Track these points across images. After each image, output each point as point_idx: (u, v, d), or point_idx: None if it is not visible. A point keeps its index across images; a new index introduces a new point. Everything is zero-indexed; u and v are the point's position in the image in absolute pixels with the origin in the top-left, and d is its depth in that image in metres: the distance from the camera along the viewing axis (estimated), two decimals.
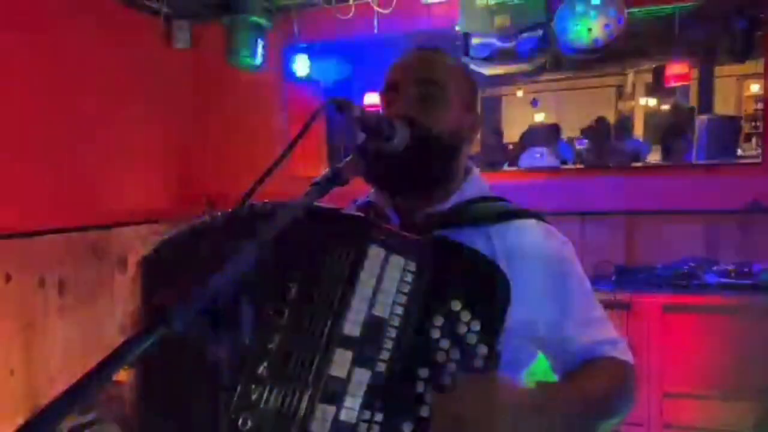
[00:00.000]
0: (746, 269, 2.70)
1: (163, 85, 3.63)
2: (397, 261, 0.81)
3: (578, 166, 4.36)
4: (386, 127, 0.86)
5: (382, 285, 0.80)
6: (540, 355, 1.01)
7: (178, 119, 3.75)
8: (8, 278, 2.59)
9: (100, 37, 3.18)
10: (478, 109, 1.14)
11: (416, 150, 0.92)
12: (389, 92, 1.03)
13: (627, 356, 0.97)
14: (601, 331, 0.98)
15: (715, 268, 2.78)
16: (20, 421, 0.41)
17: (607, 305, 1.34)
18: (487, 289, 0.81)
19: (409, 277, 0.81)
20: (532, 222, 1.01)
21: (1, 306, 2.56)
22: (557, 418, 0.80)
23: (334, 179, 0.76)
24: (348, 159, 0.81)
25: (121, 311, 3.18)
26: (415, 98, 0.99)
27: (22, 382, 2.64)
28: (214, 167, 3.69)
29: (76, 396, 0.43)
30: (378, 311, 0.80)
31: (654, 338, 2.60)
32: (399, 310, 0.80)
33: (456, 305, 0.80)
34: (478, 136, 1.14)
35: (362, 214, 0.88)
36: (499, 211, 1.01)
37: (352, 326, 0.79)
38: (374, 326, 0.79)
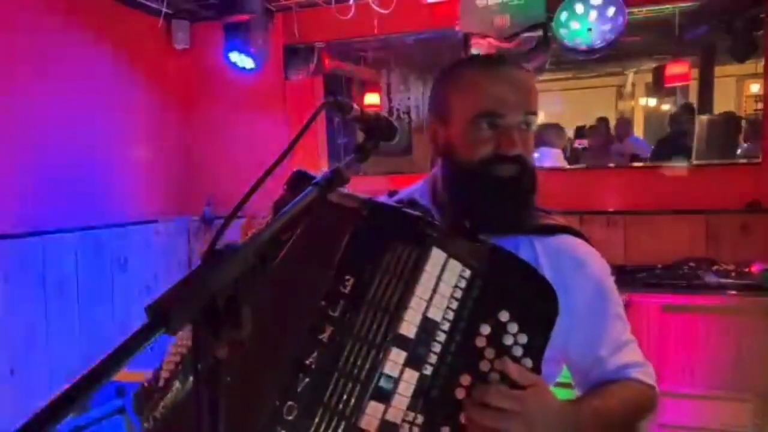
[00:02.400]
0: (746, 269, 2.70)
1: (163, 85, 3.63)
2: (454, 266, 0.81)
3: (578, 165, 4.35)
4: (386, 126, 0.86)
5: (439, 288, 0.80)
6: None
7: (178, 119, 3.75)
8: (8, 278, 2.59)
9: (99, 36, 3.18)
10: None
11: (521, 184, 0.94)
12: (490, 118, 0.96)
13: (652, 380, 1.00)
14: (631, 354, 1.01)
15: (715, 268, 2.78)
16: (20, 421, 0.41)
17: None
18: (537, 303, 0.81)
19: (462, 283, 0.81)
20: (575, 240, 1.03)
21: (1, 306, 2.56)
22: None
23: (335, 179, 0.76)
24: (348, 159, 0.81)
25: (121, 311, 3.18)
26: (518, 130, 0.96)
27: (22, 382, 2.64)
28: (214, 167, 3.69)
29: (76, 396, 0.43)
30: (432, 314, 0.79)
31: (654, 338, 2.60)
32: (450, 315, 0.80)
33: (504, 316, 0.80)
34: None
35: (423, 214, 0.85)
36: (545, 224, 1.02)
37: (408, 326, 0.78)
38: (428, 329, 0.79)
